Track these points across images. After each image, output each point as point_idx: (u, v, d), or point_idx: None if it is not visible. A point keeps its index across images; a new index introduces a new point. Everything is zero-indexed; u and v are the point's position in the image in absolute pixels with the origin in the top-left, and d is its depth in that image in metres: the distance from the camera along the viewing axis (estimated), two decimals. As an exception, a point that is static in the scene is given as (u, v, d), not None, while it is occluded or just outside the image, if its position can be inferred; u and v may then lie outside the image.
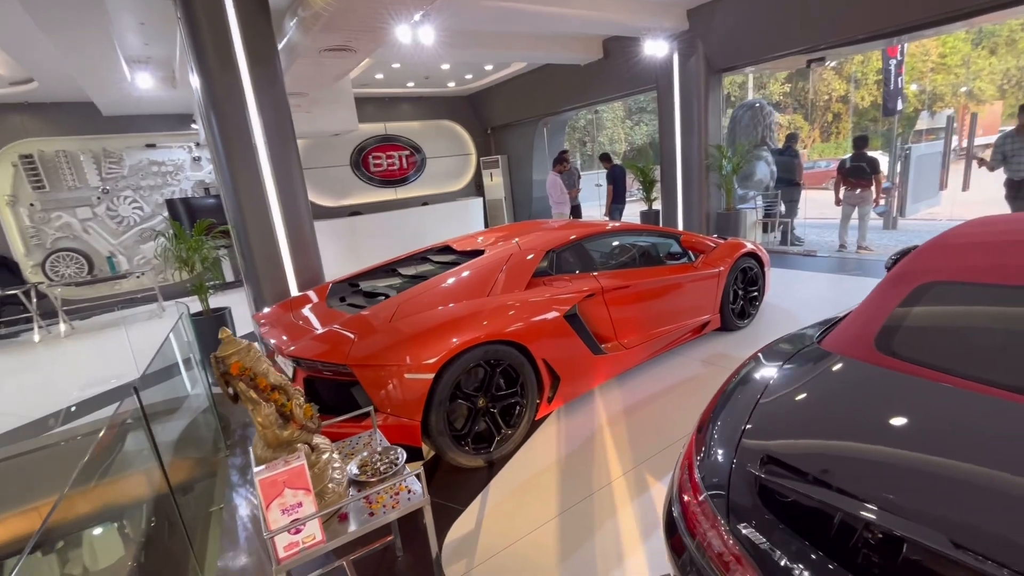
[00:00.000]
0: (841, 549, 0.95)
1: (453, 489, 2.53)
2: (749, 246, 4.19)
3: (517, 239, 3.41)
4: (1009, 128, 5.37)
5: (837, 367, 1.42)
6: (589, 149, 23.84)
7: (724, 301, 3.96)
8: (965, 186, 9.05)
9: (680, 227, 7.90)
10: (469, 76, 10.31)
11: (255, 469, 1.36)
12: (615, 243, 3.79)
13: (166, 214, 8.98)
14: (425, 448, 2.62)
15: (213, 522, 2.57)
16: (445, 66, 8.87)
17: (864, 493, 0.98)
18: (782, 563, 0.96)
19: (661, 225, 7.98)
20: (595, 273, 3.38)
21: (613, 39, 8.12)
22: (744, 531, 1.03)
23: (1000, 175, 5.50)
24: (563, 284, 3.14)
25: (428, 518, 1.59)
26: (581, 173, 9.71)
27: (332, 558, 2.00)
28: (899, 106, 11.03)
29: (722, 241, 4.21)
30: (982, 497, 0.95)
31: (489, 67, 9.72)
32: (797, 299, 4.99)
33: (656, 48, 6.84)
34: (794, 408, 1.30)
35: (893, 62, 9.38)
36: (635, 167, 8.38)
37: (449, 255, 3.57)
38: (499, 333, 2.64)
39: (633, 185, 10.31)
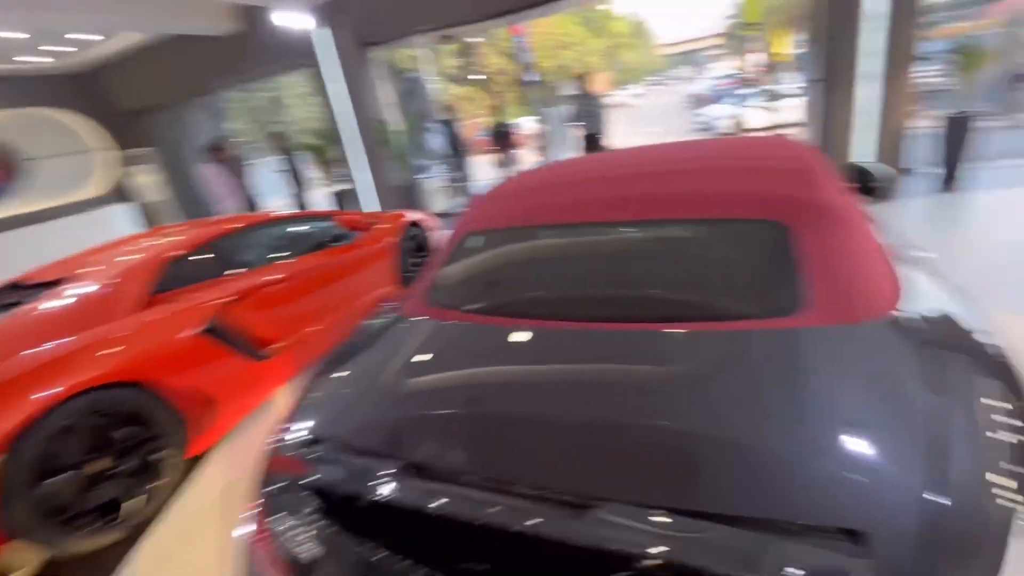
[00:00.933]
0: (373, 523, 0.94)
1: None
2: (412, 215, 4.45)
3: (124, 254, 2.80)
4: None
5: (399, 328, 1.50)
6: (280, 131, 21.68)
7: (401, 271, 4.14)
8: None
9: (377, 204, 7.94)
10: (72, 49, 7.92)
11: None
12: (263, 236, 3.49)
13: None
14: (28, 552, 1.98)
15: None
16: (8, 34, 6.56)
17: (387, 451, 1.00)
18: (308, 551, 0.95)
19: (353, 207, 7.86)
20: (241, 272, 3.05)
21: (256, 9, 7.30)
22: (278, 523, 1.02)
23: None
24: (195, 294, 2.73)
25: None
26: (263, 158, 8.73)
27: None
28: (535, 78, 13.32)
29: (384, 215, 4.35)
30: (475, 421, 1.04)
31: (97, 37, 7.64)
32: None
33: (294, 20, 6.45)
34: (349, 380, 1.34)
35: (519, 40, 11.13)
36: (311, 147, 7.96)
37: (26, 291, 2.70)
38: (101, 377, 2.13)
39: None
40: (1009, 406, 0.95)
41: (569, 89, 6.82)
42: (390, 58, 8.86)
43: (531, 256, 1.65)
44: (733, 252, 1.37)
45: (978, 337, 1.17)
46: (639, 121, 19.04)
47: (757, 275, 1.30)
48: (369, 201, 7.84)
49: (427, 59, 11.83)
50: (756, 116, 12.26)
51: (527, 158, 9.09)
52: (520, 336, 1.28)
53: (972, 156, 4.97)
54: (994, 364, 1.08)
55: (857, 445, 0.85)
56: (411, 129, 8.31)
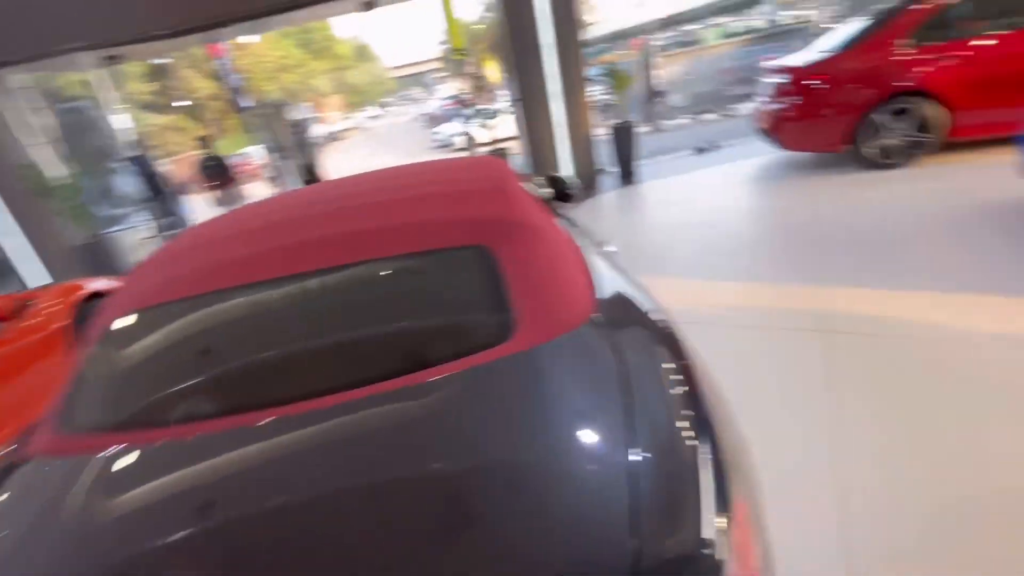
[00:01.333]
0: None
1: None
2: (95, 284, 3.42)
3: None
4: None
5: (12, 482, 1.02)
6: None
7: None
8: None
9: (47, 275, 5.97)
10: None
11: None
12: None
13: None
14: None
15: None
16: None
17: None
18: None
19: (2, 286, 5.78)
20: None
21: None
22: None
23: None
24: None
25: None
26: None
27: None
28: (250, 103, 12.01)
29: (46, 291, 3.25)
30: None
31: None
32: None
33: None
34: None
35: (223, 62, 9.87)
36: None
37: None
38: None
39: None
40: (675, 365, 1.13)
41: (282, 115, 6.27)
42: (42, 83, 6.80)
43: (204, 336, 1.31)
44: (443, 287, 1.30)
45: (652, 316, 1.38)
46: (377, 143, 19.08)
47: (469, 308, 1.26)
48: (33, 272, 5.88)
49: (104, 83, 9.44)
50: (481, 133, 13.52)
51: (254, 192, 8.12)
52: (196, 452, 0.97)
53: (637, 155, 6.35)
54: (663, 334, 1.28)
55: (577, 469, 0.84)
56: (89, 172, 6.55)
